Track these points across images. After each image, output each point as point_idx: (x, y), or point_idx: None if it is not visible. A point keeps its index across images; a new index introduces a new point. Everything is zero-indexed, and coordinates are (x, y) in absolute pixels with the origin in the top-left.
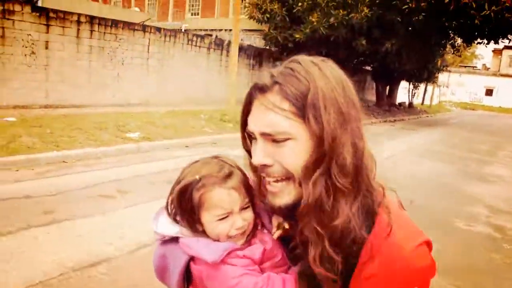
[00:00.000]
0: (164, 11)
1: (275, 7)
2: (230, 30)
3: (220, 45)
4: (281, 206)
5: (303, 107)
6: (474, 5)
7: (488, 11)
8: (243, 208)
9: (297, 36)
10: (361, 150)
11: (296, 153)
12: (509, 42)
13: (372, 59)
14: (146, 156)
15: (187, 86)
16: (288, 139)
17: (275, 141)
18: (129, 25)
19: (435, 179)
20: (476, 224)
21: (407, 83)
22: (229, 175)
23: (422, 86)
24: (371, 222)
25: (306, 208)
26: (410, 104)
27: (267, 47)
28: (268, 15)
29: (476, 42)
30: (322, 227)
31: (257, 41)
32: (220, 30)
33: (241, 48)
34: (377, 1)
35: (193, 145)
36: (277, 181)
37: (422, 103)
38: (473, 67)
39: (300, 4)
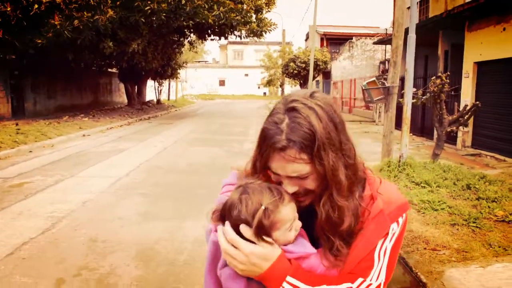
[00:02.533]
0: None
1: (8, 9)
2: None
3: None
4: (304, 206)
5: (312, 155)
6: (206, 6)
7: (218, 11)
8: None
9: (38, 41)
10: (352, 161)
11: (313, 181)
12: (236, 38)
13: (119, 60)
14: None
15: None
16: (308, 175)
17: (298, 178)
18: None
19: (213, 162)
20: None
21: (153, 81)
22: (280, 193)
23: (166, 82)
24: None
25: (320, 223)
26: (158, 101)
27: (1, 56)
28: None
29: (209, 38)
30: (332, 234)
31: None
32: None
33: None
34: (118, 3)
35: None
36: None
37: (168, 99)
38: (205, 61)
39: (36, 6)
